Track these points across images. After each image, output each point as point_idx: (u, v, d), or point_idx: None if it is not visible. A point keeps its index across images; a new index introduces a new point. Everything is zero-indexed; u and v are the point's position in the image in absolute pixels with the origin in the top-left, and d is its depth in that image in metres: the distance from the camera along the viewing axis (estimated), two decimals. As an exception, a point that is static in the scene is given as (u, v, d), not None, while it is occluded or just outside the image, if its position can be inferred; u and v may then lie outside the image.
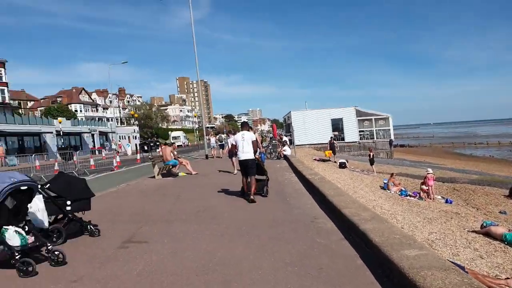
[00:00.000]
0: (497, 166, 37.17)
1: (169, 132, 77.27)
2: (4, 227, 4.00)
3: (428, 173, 16.07)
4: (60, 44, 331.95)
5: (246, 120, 10.66)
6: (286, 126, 50.61)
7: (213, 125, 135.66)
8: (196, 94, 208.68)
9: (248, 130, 8.80)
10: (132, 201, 9.15)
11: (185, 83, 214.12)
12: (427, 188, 15.33)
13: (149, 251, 4.84)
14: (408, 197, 15.36)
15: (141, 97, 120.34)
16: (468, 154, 54.67)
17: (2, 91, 52.95)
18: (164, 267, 4.24)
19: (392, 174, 17.21)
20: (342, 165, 24.69)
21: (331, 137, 30.48)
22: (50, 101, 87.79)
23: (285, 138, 26.71)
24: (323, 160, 25.21)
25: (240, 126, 10.17)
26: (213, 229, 5.85)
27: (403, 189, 16.70)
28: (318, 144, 41.06)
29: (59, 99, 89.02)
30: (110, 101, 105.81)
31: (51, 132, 37.61)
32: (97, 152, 36.85)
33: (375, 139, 40.59)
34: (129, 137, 53.08)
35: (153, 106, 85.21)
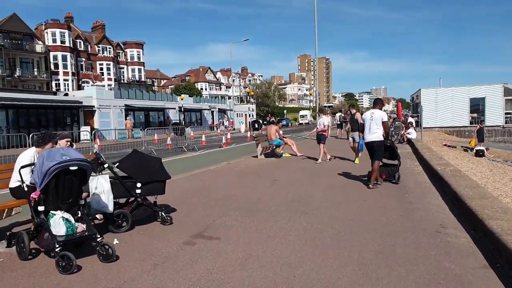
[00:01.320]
0: None
1: (300, 112, 78.01)
2: (51, 211, 3.50)
3: None
4: (191, 26, 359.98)
5: (380, 97, 9.06)
6: (413, 106, 45.61)
7: (331, 104, 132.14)
8: (316, 72, 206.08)
9: (380, 108, 8.01)
10: (224, 182, 8.51)
11: (306, 60, 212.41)
12: None
13: (217, 252, 3.94)
14: None
15: (262, 76, 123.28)
16: None
17: (140, 70, 59.15)
18: (226, 280, 3.27)
19: (551, 169, 13.58)
20: (480, 153, 20.90)
21: (480, 121, 25.80)
22: (179, 80, 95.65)
23: (410, 119, 23.72)
24: (466, 149, 21.42)
25: (372, 103, 8.79)
26: (303, 230, 4.69)
27: None
28: (451, 127, 36.05)
29: (187, 78, 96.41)
30: (233, 80, 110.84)
31: (174, 108, 40.27)
32: (215, 128, 38.32)
33: (525, 123, 33.82)
34: (246, 114, 54.42)
35: (272, 85, 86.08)
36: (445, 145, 23.94)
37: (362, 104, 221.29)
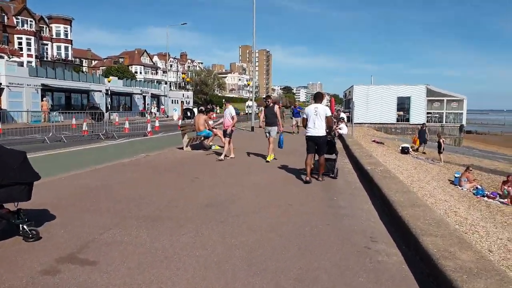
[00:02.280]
0: None
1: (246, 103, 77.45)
2: None
3: (516, 172, 12.87)
4: (130, 7, 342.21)
5: (321, 91, 8.70)
6: (346, 101, 46.97)
7: (270, 96, 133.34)
8: (257, 64, 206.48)
9: (321, 103, 7.89)
10: (134, 179, 7.32)
11: (247, 51, 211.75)
12: (513, 189, 12.16)
13: (84, 286, 2.92)
14: (486, 198, 12.39)
15: (202, 63, 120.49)
16: (547, 147, 48.40)
17: (66, 48, 54.33)
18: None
19: (468, 168, 14.14)
20: (405, 150, 21.65)
21: (423, 124, 25.88)
22: (112, 61, 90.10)
23: (342, 115, 23.94)
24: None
25: (313, 97, 8.79)
26: (211, 247, 3.81)
27: (478, 187, 13.67)
28: (379, 123, 37.52)
29: (121, 60, 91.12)
30: (171, 65, 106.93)
31: (100, 91, 37.02)
32: (146, 114, 36.02)
33: (443, 123, 36.13)
34: (181, 101, 52.34)
35: (212, 73, 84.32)
36: (374, 141, 24.55)
37: (299, 98, 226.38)
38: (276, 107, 10.72)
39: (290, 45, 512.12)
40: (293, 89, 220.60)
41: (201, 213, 4.99)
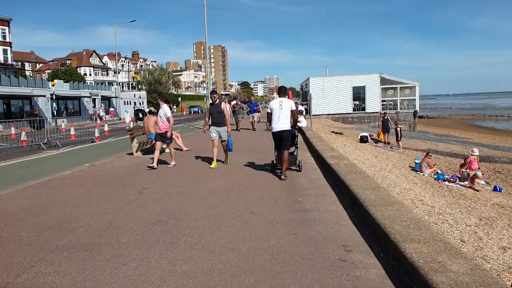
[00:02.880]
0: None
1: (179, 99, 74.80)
2: None
3: (472, 155, 13.02)
4: (79, 6, 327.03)
5: (284, 86, 8.53)
6: (303, 94, 47.06)
7: (228, 92, 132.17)
8: (212, 60, 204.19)
9: (285, 96, 7.68)
10: (71, 196, 6.35)
11: (202, 48, 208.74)
12: (472, 172, 12.25)
13: None
14: (447, 183, 12.45)
15: (155, 61, 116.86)
16: (490, 127, 51.65)
17: (5, 51, 50.57)
18: None
19: (427, 154, 14.20)
20: (364, 139, 21.73)
21: (384, 112, 25.33)
22: (59, 64, 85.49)
23: (300, 108, 23.67)
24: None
25: (277, 92, 8.24)
26: (159, 280, 3.12)
27: (439, 171, 13.77)
28: (337, 114, 37.84)
29: (68, 62, 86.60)
30: (122, 65, 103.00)
31: (44, 96, 34.31)
32: (97, 118, 33.89)
33: (398, 109, 37.00)
34: (135, 102, 50.27)
35: (165, 71, 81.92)
36: (333, 132, 24.53)
37: (257, 93, 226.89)
38: (223, 104, 9.40)
39: (245, 40, 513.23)
40: (250, 84, 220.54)
41: (148, 234, 4.26)
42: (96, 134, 17.34)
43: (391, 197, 4.96)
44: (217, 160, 9.11)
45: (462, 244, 6.01)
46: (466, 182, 12.29)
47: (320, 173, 8.08)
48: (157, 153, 9.08)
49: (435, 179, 13.00)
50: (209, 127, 9.18)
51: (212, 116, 9.10)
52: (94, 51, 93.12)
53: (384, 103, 37.86)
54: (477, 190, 11.64)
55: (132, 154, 11.08)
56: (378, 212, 4.18)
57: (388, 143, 22.41)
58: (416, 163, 14.60)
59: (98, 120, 31.46)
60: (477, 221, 8.10)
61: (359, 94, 38.38)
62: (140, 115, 27.26)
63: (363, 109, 37.93)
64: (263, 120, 26.47)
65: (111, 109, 44.43)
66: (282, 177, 7.32)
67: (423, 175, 13.50)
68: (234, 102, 23.53)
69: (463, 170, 12.90)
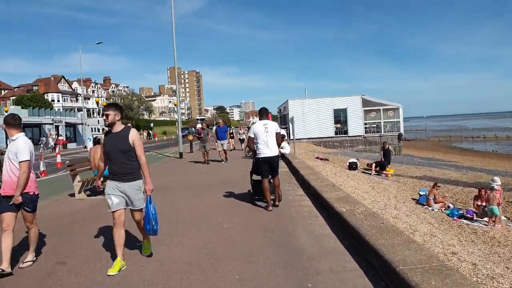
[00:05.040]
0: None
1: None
2: None
3: (493, 184, 11.06)
4: (50, 34, 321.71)
5: (265, 107, 7.42)
6: (281, 117, 45.23)
7: (204, 117, 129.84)
8: (187, 85, 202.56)
9: (267, 119, 7.06)
10: None
11: (176, 73, 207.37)
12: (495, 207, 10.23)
13: None
14: (464, 220, 10.39)
15: (127, 87, 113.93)
16: (470, 148, 51.46)
17: (-38, 76, 46.92)
18: None
19: (435, 184, 12.14)
20: (353, 166, 19.67)
21: (385, 142, 22.48)
22: (25, 90, 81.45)
23: (282, 132, 21.59)
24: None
25: (258, 114, 7.33)
26: None
27: (450, 205, 11.72)
28: (318, 138, 36.05)
29: (35, 88, 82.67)
30: (93, 91, 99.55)
31: (-3, 124, 30.91)
32: (57, 147, 30.45)
33: (382, 132, 35.52)
34: (103, 129, 47.17)
35: (138, 96, 79.12)
36: (317, 158, 22.49)
37: (233, 117, 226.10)
38: (132, 133, 4.30)
39: (220, 65, 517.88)
40: (226, 109, 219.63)
41: None
42: (41, 168, 14.45)
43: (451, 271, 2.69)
44: (187, 202, 6.66)
45: None
46: (486, 219, 10.26)
47: (324, 224, 5.78)
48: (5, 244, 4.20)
49: (447, 215, 10.92)
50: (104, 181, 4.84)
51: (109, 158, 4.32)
52: (63, 77, 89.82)
53: (367, 126, 36.41)
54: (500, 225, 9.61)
55: (74, 195, 8.50)
56: None
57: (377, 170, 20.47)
58: (420, 195, 12.54)
59: (56, 149, 28.20)
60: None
61: (340, 117, 36.86)
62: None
63: (346, 132, 36.31)
64: (238, 148, 24.08)
65: (60, 137, 39.22)
66: (277, 202, 6.89)
67: (432, 210, 11.43)
68: (199, 126, 19.06)
69: (478, 203, 10.90)
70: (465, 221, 10.21)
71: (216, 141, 16.75)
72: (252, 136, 6.85)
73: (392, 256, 3.53)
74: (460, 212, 10.79)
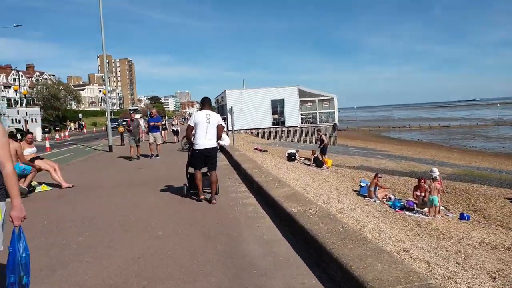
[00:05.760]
0: (444, 152, 34.87)
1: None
2: None
3: (434, 175, 11.19)
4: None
5: (208, 97, 7.20)
6: (219, 108, 44.27)
7: (136, 107, 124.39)
8: (119, 74, 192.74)
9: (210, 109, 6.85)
10: None
11: (107, 61, 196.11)
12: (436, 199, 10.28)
13: None
14: (405, 211, 10.42)
15: (54, 75, 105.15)
16: (397, 137, 54.85)
17: None
18: None
19: (376, 175, 12.10)
20: (292, 157, 19.43)
21: (319, 129, 22.36)
22: None
23: (221, 122, 20.77)
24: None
25: (200, 103, 4.95)
26: None
27: (392, 196, 11.78)
28: (256, 129, 35.71)
29: None
30: (14, 79, 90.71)
31: None
32: None
33: (318, 123, 36.08)
34: (26, 120, 42.84)
35: (64, 85, 73.21)
36: (256, 149, 22.01)
37: (168, 108, 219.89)
38: None
39: (153, 54, 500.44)
40: (161, 99, 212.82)
41: None
42: None
43: None
44: (119, 204, 5.61)
45: None
46: (426, 209, 10.35)
47: (273, 226, 5.12)
48: None
49: (389, 206, 10.90)
50: None
51: None
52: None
53: (303, 116, 36.77)
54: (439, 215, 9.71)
55: None
56: None
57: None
58: (361, 187, 12.47)
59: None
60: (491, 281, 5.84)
61: (277, 108, 36.82)
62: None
63: (283, 123, 36.38)
64: (170, 140, 22.65)
65: None
66: (213, 201, 6.37)
67: (374, 202, 11.36)
68: (129, 119, 15.47)
69: (419, 194, 11.00)
70: (407, 212, 10.21)
71: (148, 133, 14.93)
72: (192, 125, 6.47)
73: (363, 273, 2.93)
74: (401, 203, 10.81)
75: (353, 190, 12.95)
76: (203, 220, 5.53)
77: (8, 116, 42.94)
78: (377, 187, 11.65)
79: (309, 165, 17.90)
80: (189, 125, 6.65)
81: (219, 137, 6.73)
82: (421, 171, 17.24)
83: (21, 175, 7.73)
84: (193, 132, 6.50)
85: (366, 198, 11.60)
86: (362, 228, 7.36)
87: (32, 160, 8.49)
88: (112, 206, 6.58)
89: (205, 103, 6.92)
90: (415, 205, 10.66)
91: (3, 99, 59.92)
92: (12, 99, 77.26)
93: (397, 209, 10.40)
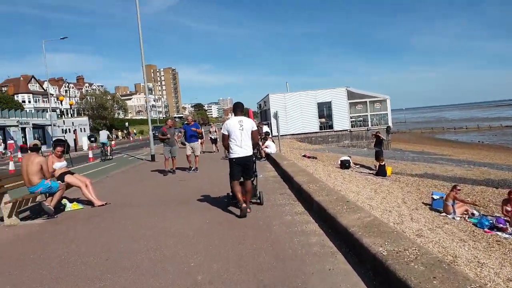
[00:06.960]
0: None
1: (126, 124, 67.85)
2: None
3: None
4: (24, 34, 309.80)
5: (240, 102, 6.16)
6: (262, 113, 43.01)
7: (181, 115, 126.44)
8: (164, 83, 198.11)
9: (243, 115, 6.28)
10: None
11: (152, 71, 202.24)
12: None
13: None
14: (496, 231, 8.51)
15: (102, 85, 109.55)
16: (455, 140, 50.91)
17: None
18: None
19: (455, 187, 10.19)
20: (346, 164, 17.72)
21: (377, 131, 20.20)
22: (-7, 92, 76.60)
23: (266, 129, 19.44)
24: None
25: (232, 109, 6.07)
26: None
27: (475, 212, 9.85)
28: (302, 133, 34.10)
29: (4, 89, 77.91)
30: (66, 91, 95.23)
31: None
32: (10, 153, 27.05)
33: (369, 126, 33.80)
34: (75, 130, 44.08)
35: (111, 95, 75.56)
36: (304, 156, 20.51)
37: (212, 114, 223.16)
38: None
39: (196, 63, 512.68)
40: (204, 106, 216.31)
41: None
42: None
43: None
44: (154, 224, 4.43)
45: None
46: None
47: (351, 271, 3.68)
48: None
49: (474, 224, 9.02)
50: None
51: None
52: (33, 77, 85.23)
53: (353, 119, 34.68)
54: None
55: (3, 219, 6.15)
56: None
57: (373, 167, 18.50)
58: (434, 200, 10.63)
59: (8, 153, 25.04)
60: None
61: (324, 111, 34.99)
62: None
63: (331, 127, 34.48)
64: (208, 149, 20.23)
65: (10, 141, 33.48)
66: (248, 210, 6.00)
67: (453, 218, 9.52)
68: (165, 126, 12.78)
69: (510, 209, 9.04)
70: (499, 233, 8.30)
71: (184, 143, 13.07)
72: (226, 133, 6.10)
73: None
74: (490, 221, 8.89)
75: (423, 203, 11.12)
76: (254, 257, 4.20)
77: (58, 126, 44.37)
78: (456, 201, 9.77)
79: (368, 173, 16.10)
80: (223, 133, 6.24)
81: (255, 144, 6.51)
82: (499, 178, 14.91)
83: (51, 193, 6.81)
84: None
85: (442, 214, 9.77)
86: (454, 259, 5.78)
87: (62, 175, 7.61)
88: (146, 234, 5.39)
89: (237, 109, 6.36)
90: (507, 223, 8.72)
91: (56, 110, 62.33)
92: (64, 110, 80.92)
93: (485, 229, 8.52)
